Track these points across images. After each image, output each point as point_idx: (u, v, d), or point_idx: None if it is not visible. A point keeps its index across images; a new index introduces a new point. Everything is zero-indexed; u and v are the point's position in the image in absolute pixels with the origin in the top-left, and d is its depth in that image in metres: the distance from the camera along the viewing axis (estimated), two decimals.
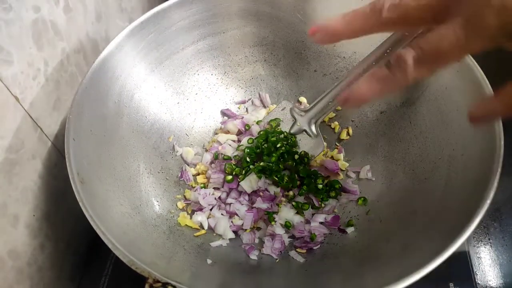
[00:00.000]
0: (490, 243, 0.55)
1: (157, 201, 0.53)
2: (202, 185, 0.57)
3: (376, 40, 0.56)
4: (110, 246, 0.36)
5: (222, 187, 0.57)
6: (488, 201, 0.37)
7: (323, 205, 0.55)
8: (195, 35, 0.59)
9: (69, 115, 0.44)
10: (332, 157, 0.59)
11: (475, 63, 0.46)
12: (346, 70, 0.61)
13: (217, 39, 0.61)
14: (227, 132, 0.62)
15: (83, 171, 0.42)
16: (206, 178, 0.58)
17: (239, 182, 0.55)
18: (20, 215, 0.44)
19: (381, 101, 0.58)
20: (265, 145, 0.56)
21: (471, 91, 0.46)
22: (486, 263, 0.53)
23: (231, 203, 0.55)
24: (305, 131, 0.57)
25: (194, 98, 0.62)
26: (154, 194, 0.53)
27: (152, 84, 0.57)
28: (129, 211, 0.46)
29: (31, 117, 0.44)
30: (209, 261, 0.48)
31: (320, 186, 0.55)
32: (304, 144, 0.58)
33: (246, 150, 0.56)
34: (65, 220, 0.52)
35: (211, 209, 0.55)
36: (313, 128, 0.57)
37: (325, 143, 0.58)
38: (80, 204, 0.39)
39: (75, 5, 0.51)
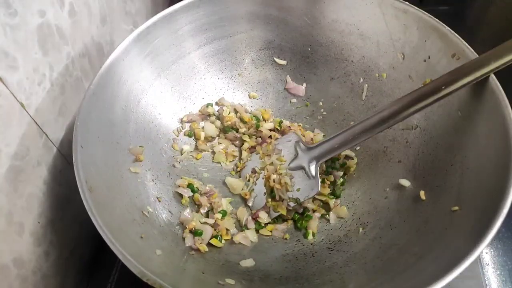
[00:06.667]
0: (500, 248, 0.55)
1: (165, 208, 0.53)
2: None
3: (385, 45, 0.56)
4: (120, 257, 0.36)
5: None
6: (505, 211, 0.36)
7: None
8: (201, 39, 0.59)
9: (77, 122, 0.43)
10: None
11: None
12: (353, 74, 0.60)
13: (224, 43, 0.61)
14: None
15: (91, 179, 0.41)
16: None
17: None
18: (25, 223, 0.43)
19: None
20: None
21: (484, 97, 0.45)
22: (495, 268, 0.53)
23: None
24: (304, 169, 0.54)
25: (200, 103, 0.62)
26: (161, 200, 0.53)
27: (158, 89, 0.57)
28: (137, 218, 0.46)
29: (36, 123, 0.44)
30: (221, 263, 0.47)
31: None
32: (300, 182, 0.54)
33: None
34: (69, 226, 0.51)
35: None
36: (312, 168, 0.53)
37: (319, 186, 0.53)
38: (89, 213, 0.38)
39: (80, 8, 0.50)
